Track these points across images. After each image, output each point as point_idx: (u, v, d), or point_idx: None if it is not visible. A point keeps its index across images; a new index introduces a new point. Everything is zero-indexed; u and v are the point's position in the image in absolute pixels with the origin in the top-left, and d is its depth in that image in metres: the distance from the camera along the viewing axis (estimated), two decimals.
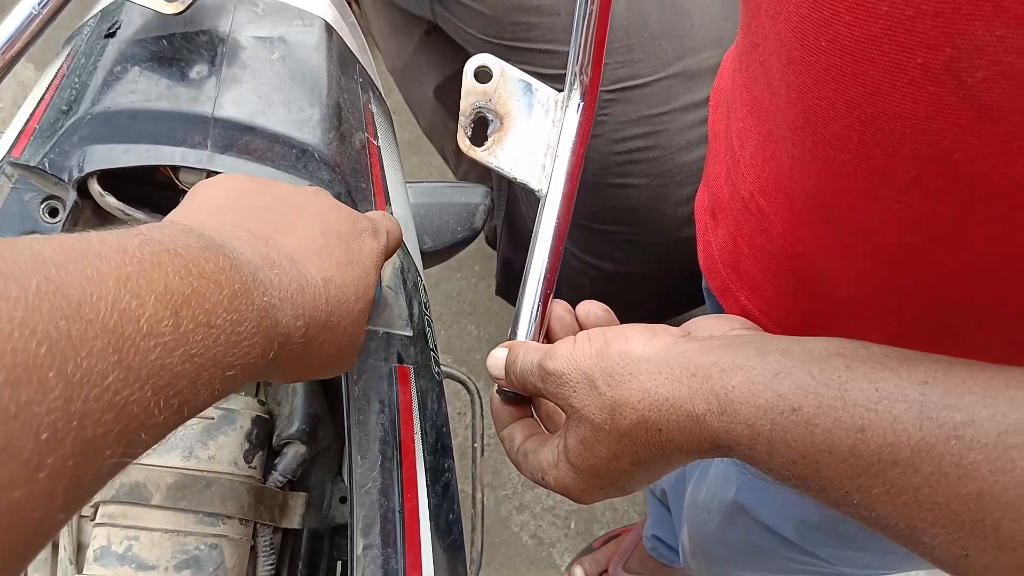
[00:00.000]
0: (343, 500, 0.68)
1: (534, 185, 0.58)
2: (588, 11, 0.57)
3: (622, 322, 1.59)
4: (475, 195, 0.88)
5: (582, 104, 0.58)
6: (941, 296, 0.46)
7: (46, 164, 0.61)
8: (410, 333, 0.67)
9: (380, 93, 0.78)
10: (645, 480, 0.48)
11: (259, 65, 0.64)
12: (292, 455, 0.65)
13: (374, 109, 0.74)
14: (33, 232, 0.61)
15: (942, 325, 0.49)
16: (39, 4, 0.57)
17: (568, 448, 0.48)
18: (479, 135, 0.58)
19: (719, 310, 1.17)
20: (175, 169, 0.64)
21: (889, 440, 0.35)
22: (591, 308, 0.57)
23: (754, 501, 0.90)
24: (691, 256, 1.20)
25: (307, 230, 0.48)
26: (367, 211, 0.68)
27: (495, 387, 0.57)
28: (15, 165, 0.62)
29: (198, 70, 0.63)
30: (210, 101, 0.61)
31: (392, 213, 0.70)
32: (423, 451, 0.65)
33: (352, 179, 0.66)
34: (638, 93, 1.11)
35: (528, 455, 0.52)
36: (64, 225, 0.61)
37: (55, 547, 0.61)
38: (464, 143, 0.58)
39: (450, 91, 1.38)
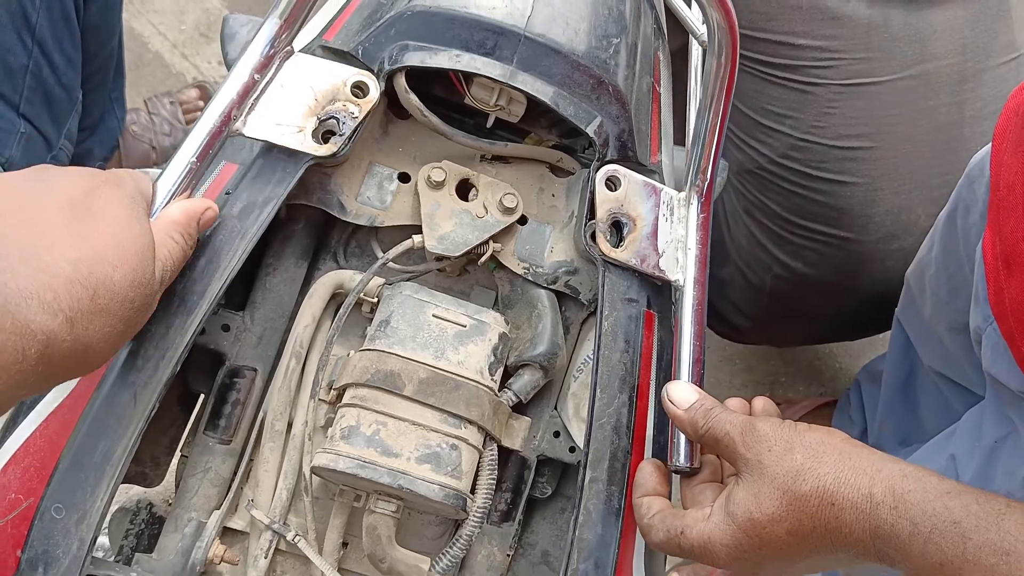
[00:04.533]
0: (556, 435, 0.68)
1: (671, 276, 0.66)
2: (705, 125, 0.64)
3: (791, 332, 1.55)
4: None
5: (701, 201, 0.67)
6: None
7: (359, 52, 0.63)
8: (659, 282, 0.67)
9: (666, 43, 0.78)
10: (786, 568, 0.53)
11: None
12: (529, 378, 0.65)
13: (661, 57, 0.74)
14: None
15: None
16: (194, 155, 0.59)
17: (733, 499, 0.53)
18: (616, 237, 0.65)
19: (904, 339, 1.14)
20: (467, 83, 0.66)
21: None
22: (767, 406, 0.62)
23: None
24: (888, 274, 1.17)
25: (43, 214, 0.46)
26: (644, 156, 0.68)
27: (649, 460, 0.62)
28: (326, 48, 0.64)
29: None
30: (523, 17, 0.62)
31: (661, 163, 0.70)
32: (655, 399, 0.65)
33: (636, 119, 0.66)
34: (871, 91, 1.09)
35: (666, 517, 0.57)
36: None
37: (289, 426, 0.64)
38: (605, 246, 0.64)
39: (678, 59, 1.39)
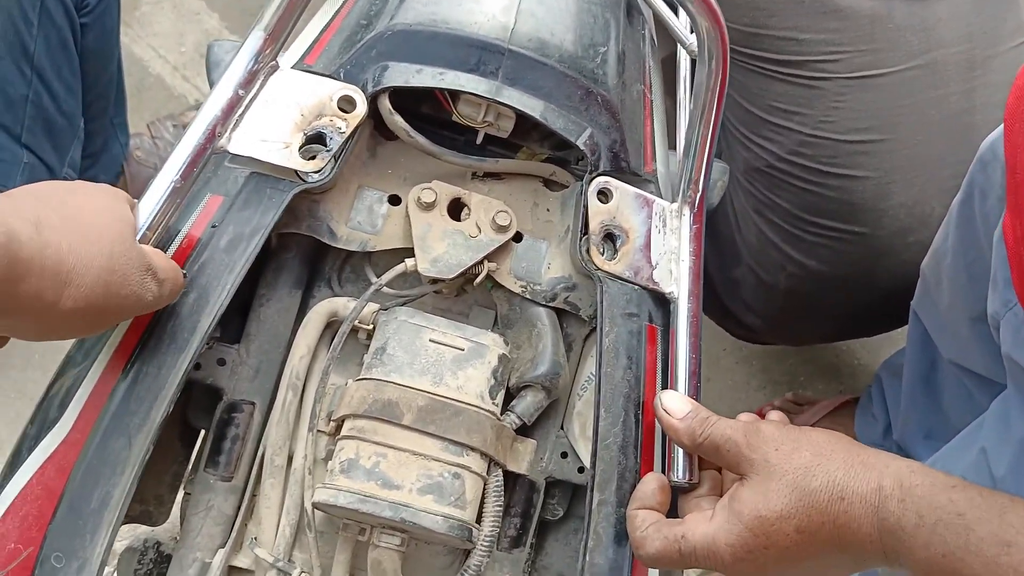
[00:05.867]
0: (564, 455, 0.66)
1: (665, 288, 0.64)
2: (696, 136, 0.63)
3: (807, 331, 1.52)
4: (715, 171, 0.85)
5: (694, 212, 0.67)
6: None
7: (341, 74, 0.62)
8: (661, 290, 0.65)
9: (656, 49, 0.76)
10: (789, 571, 0.52)
11: (554, 2, 0.63)
12: (532, 399, 0.64)
13: (651, 64, 0.72)
14: None
15: None
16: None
17: (738, 498, 0.52)
18: (610, 250, 0.64)
19: (922, 331, 1.11)
20: (454, 100, 0.64)
21: None
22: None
23: None
24: (904, 268, 1.14)
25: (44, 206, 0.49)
26: (638, 165, 0.66)
27: (654, 474, 0.60)
28: (308, 72, 0.63)
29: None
30: (506, 30, 0.61)
31: (656, 170, 0.68)
32: None
33: (628, 129, 0.65)
34: (878, 82, 1.06)
35: (662, 527, 0.56)
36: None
37: (290, 459, 0.63)
38: (599, 259, 0.63)
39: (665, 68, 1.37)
